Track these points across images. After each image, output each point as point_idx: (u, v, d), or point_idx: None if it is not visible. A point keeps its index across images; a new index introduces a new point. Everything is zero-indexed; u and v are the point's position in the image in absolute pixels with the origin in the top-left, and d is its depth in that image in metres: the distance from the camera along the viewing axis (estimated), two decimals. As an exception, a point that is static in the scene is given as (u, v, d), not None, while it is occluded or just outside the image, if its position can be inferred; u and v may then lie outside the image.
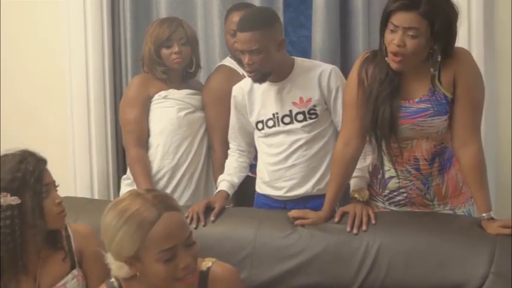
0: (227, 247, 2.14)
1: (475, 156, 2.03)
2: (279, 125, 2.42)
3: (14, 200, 1.79)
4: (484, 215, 2.01)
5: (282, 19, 2.90)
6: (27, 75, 3.22)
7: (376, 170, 2.23)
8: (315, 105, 2.39)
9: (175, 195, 2.66)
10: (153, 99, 2.68)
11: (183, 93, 2.72)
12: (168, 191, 2.65)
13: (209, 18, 2.97)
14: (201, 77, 2.98)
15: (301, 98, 2.40)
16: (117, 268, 1.66)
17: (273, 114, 2.42)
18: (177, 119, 2.66)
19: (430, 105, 2.04)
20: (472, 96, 2.03)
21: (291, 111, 2.40)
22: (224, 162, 2.62)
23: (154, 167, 2.67)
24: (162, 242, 1.57)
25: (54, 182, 1.89)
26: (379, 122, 2.04)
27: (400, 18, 1.91)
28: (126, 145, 2.72)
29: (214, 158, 2.71)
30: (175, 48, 2.62)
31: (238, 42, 2.33)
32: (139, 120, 2.67)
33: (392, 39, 1.93)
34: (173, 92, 2.69)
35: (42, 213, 1.82)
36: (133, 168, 2.65)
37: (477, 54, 2.53)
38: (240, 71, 2.71)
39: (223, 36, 2.90)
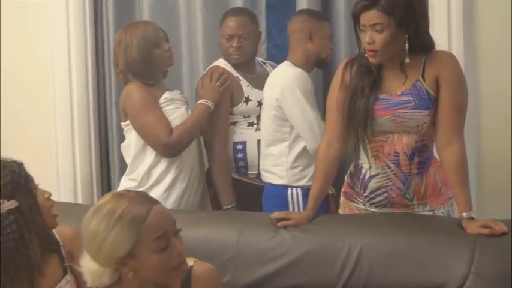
0: (210, 250, 2.14)
1: (457, 156, 2.07)
2: None
3: (12, 204, 1.79)
4: (464, 214, 2.04)
5: (264, 22, 2.98)
6: (9, 78, 3.20)
7: (357, 170, 2.25)
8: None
9: (193, 193, 2.68)
10: (159, 102, 2.62)
11: (177, 94, 2.72)
12: (189, 190, 2.66)
13: (192, 21, 2.98)
14: (184, 79, 3.00)
15: None
16: (97, 277, 1.64)
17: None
18: None
19: (412, 98, 2.10)
20: (456, 100, 2.09)
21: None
22: (224, 162, 2.65)
23: (177, 168, 2.63)
24: (156, 231, 1.59)
25: (33, 179, 1.89)
26: (355, 113, 2.13)
27: (364, 18, 2.05)
28: (163, 140, 2.55)
29: (213, 158, 2.71)
30: (166, 46, 2.63)
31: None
32: (165, 117, 2.58)
33: (364, 38, 2.06)
34: (172, 93, 2.68)
35: (39, 209, 1.84)
36: (184, 129, 2.58)
37: (457, 54, 2.55)
38: (234, 72, 2.73)
39: (206, 40, 2.92)
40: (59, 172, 3.09)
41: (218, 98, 2.66)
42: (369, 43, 2.05)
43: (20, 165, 1.86)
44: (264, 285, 2.10)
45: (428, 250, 1.97)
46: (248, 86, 2.75)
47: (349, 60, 2.21)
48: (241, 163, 2.75)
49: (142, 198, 1.65)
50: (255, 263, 2.11)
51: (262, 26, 2.98)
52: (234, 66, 2.74)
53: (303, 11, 2.79)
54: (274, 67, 2.90)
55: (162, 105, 2.63)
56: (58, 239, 1.94)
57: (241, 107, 2.73)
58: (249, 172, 2.77)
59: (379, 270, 1.98)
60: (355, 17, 2.09)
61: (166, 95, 2.65)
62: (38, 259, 1.83)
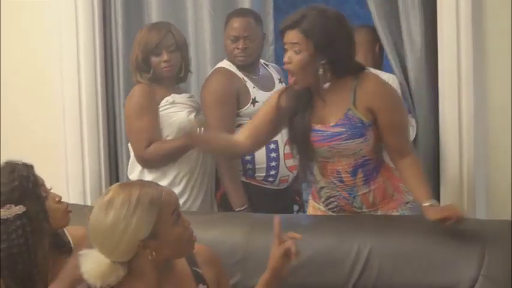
0: (220, 251, 2.12)
1: (411, 166, 2.17)
2: None
3: (19, 209, 1.79)
4: (425, 203, 2.08)
5: (272, 24, 2.97)
6: (18, 81, 3.20)
7: (313, 179, 2.35)
8: None
9: (192, 197, 2.70)
10: (160, 105, 2.66)
11: (185, 97, 2.73)
12: (186, 194, 2.68)
13: (200, 23, 2.98)
14: (192, 82, 3.00)
15: None
16: (110, 273, 1.66)
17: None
18: (189, 122, 2.67)
19: (344, 129, 2.17)
20: (396, 123, 2.19)
21: None
22: (233, 164, 2.66)
23: (172, 171, 2.66)
24: (171, 205, 1.68)
25: (44, 182, 1.89)
26: (295, 141, 2.26)
27: (286, 37, 2.15)
28: (139, 150, 2.66)
29: (221, 160, 2.71)
30: (164, 57, 2.63)
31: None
32: (153, 127, 2.64)
33: (284, 58, 2.16)
34: (176, 97, 2.69)
35: (47, 215, 1.84)
36: (161, 149, 2.63)
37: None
38: (240, 74, 2.74)
39: (214, 42, 2.93)
40: (68, 174, 3.09)
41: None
42: (286, 62, 2.14)
43: (29, 168, 1.87)
44: (274, 287, 2.10)
45: (437, 252, 1.98)
46: (254, 87, 2.75)
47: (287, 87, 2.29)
48: (249, 166, 2.75)
49: (149, 182, 1.77)
50: (264, 264, 2.08)
51: (270, 27, 2.98)
52: (239, 67, 2.75)
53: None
54: (277, 70, 2.93)
55: (162, 108, 2.66)
56: (69, 239, 1.95)
57: (248, 108, 2.72)
58: (256, 174, 2.76)
59: (389, 271, 1.99)
60: (281, 35, 2.17)
61: (169, 97, 2.67)
62: (46, 264, 1.83)
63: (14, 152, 2.73)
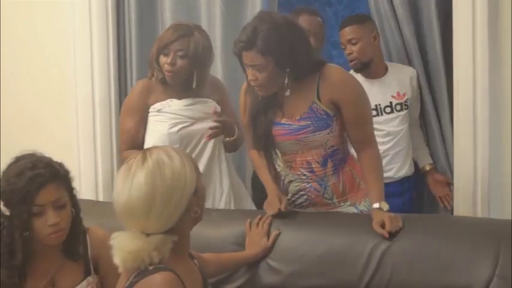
0: (232, 250, 2.14)
1: (371, 158, 2.21)
2: (381, 115, 2.77)
3: (5, 211, 1.76)
4: (375, 205, 2.12)
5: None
6: (32, 79, 3.22)
7: (278, 174, 2.34)
8: (407, 99, 2.81)
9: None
10: (149, 110, 2.62)
11: (181, 104, 2.59)
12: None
13: (212, 20, 2.98)
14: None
15: (398, 92, 2.81)
16: (161, 244, 1.50)
17: (376, 106, 2.76)
18: (169, 136, 2.55)
19: (310, 122, 2.19)
20: (359, 115, 2.19)
21: (391, 102, 2.80)
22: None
23: None
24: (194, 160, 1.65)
25: (55, 201, 1.79)
26: (258, 137, 2.25)
27: (245, 58, 2.11)
28: (121, 148, 2.72)
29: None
30: (169, 59, 2.51)
31: (342, 37, 2.79)
32: (135, 130, 2.62)
33: (248, 75, 2.14)
34: (170, 104, 2.59)
35: (27, 229, 1.76)
36: None
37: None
38: None
39: (225, 39, 2.92)
40: (80, 171, 3.10)
41: None
42: (252, 80, 2.12)
43: (36, 179, 1.76)
44: (285, 285, 2.09)
45: (451, 252, 1.96)
46: None
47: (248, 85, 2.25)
48: None
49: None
50: (276, 262, 2.11)
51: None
52: None
53: None
54: None
55: (150, 114, 2.62)
56: (88, 239, 1.92)
57: None
58: None
59: (402, 272, 1.97)
60: (238, 56, 2.13)
61: (158, 104, 2.60)
62: (36, 266, 1.81)
63: (27, 149, 2.74)
